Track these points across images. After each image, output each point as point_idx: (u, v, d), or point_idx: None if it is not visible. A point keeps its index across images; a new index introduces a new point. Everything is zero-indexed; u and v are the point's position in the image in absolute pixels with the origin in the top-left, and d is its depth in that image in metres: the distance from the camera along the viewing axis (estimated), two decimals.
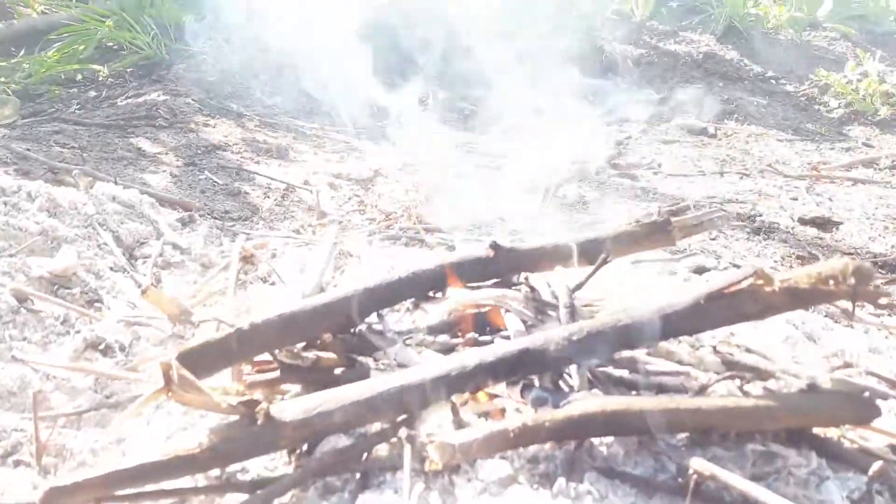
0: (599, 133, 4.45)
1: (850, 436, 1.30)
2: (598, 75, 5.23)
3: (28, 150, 2.91)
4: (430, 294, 1.54)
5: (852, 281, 1.25)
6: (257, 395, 1.34)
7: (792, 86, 5.33)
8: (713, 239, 2.72)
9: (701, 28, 5.99)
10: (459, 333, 1.45)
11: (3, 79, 4.59)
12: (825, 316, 2.12)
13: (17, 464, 1.29)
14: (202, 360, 1.27)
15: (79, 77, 4.75)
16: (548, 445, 1.19)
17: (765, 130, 4.59)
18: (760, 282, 1.29)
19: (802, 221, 3.05)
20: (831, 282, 1.26)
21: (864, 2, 6.47)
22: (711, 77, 5.27)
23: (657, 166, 3.76)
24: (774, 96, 5.13)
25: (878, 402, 1.34)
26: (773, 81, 5.35)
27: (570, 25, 5.53)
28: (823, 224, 3.06)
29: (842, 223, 3.09)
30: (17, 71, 4.75)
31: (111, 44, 5.18)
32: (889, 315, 2.37)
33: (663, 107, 4.91)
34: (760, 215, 3.05)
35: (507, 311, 1.46)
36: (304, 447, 1.24)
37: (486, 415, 1.29)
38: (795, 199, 3.34)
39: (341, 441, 1.23)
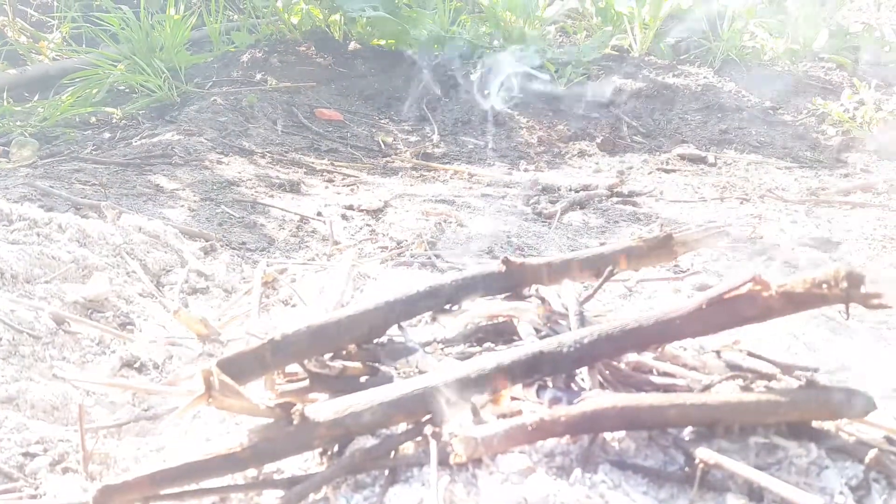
0: (601, 163, 4.56)
1: (847, 429, 1.37)
2: (600, 107, 5.36)
3: (51, 187, 3.02)
4: (447, 307, 1.63)
5: (844, 285, 1.34)
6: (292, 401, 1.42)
7: (790, 115, 5.45)
8: (715, 260, 2.81)
9: (699, 61, 6.14)
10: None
11: (19, 122, 4.73)
12: (827, 328, 2.20)
13: (64, 471, 1.37)
14: (237, 369, 1.35)
15: (93, 120, 4.89)
16: (563, 441, 1.27)
17: (764, 159, 4.69)
18: (758, 287, 1.38)
19: (801, 243, 3.14)
20: (825, 286, 1.35)
21: (859, 33, 6.62)
22: (710, 108, 5.39)
23: (658, 193, 3.87)
24: (773, 126, 5.25)
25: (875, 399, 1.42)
26: (771, 111, 5.47)
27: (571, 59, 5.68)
28: (823, 245, 3.15)
29: (840, 244, 3.18)
30: (32, 115, 4.90)
31: (123, 87, 5.33)
32: (888, 329, 2.46)
33: (663, 138, 5.03)
34: (761, 237, 3.15)
35: (520, 320, 1.55)
36: (335, 448, 1.33)
37: (504, 415, 1.36)
38: (795, 223, 3.44)
39: (370, 442, 1.31)
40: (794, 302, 1.36)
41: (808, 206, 3.70)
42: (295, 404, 1.23)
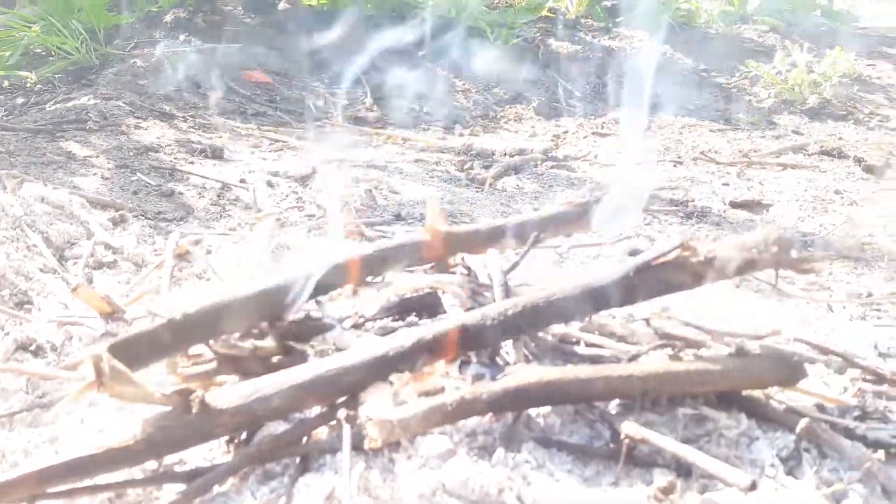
0: (537, 127, 4.50)
1: (778, 397, 1.34)
2: (536, 71, 5.28)
3: None
4: (369, 279, 1.55)
5: (775, 249, 1.30)
6: (194, 386, 1.32)
7: (723, 77, 5.46)
8: (647, 224, 2.78)
9: (635, 24, 6.10)
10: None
11: None
12: (756, 292, 2.18)
13: None
14: (133, 353, 1.25)
15: (5, 84, 4.63)
16: (486, 419, 1.21)
17: (697, 121, 4.68)
18: (687, 253, 1.32)
19: (733, 205, 3.14)
20: (754, 251, 1.30)
21: None
22: (645, 71, 5.36)
23: (593, 158, 3.82)
24: (707, 88, 5.25)
25: (806, 366, 1.39)
26: (705, 74, 5.47)
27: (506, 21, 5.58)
28: (754, 206, 3.15)
29: (771, 205, 3.18)
30: None
31: (39, 49, 5.06)
32: (819, 289, 2.45)
33: (599, 101, 4.99)
34: (693, 200, 3.13)
35: (444, 292, 1.47)
36: (244, 435, 1.24)
37: (426, 394, 1.29)
38: (727, 185, 3.43)
39: (280, 427, 1.23)
40: (723, 267, 1.32)
41: (740, 168, 3.70)
42: (194, 391, 1.13)
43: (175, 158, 3.29)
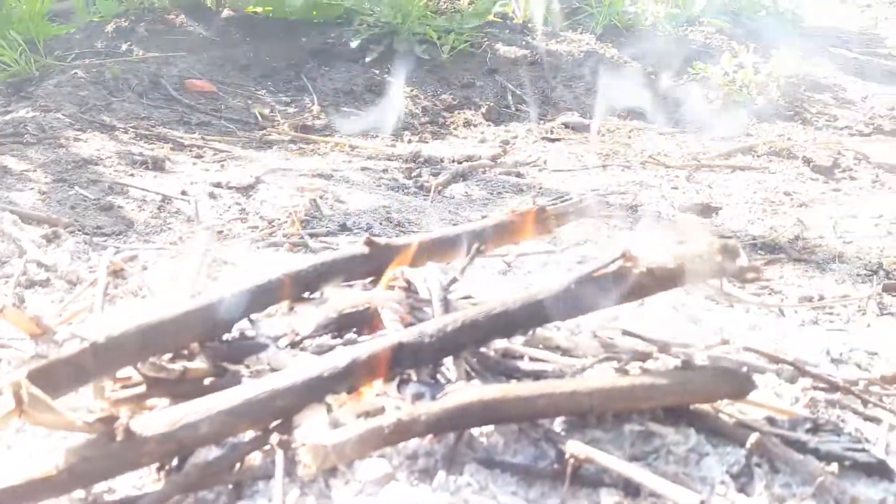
0: (486, 133, 4.47)
1: (727, 410, 1.32)
2: (484, 76, 5.26)
3: None
4: (306, 295, 1.49)
5: (719, 258, 1.28)
6: (123, 411, 1.26)
7: (671, 80, 5.48)
8: (597, 230, 2.76)
9: (581, 27, 6.11)
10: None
11: None
12: (706, 298, 2.17)
13: None
14: (55, 379, 1.19)
15: None
16: (427, 440, 1.17)
17: (646, 124, 4.69)
18: (629, 264, 1.30)
19: (683, 209, 3.14)
20: (698, 260, 1.28)
21: None
22: (593, 75, 5.37)
23: (542, 163, 3.81)
24: (655, 91, 5.27)
25: (755, 375, 1.37)
26: (653, 77, 5.50)
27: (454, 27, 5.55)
28: (703, 210, 3.16)
29: (721, 208, 3.19)
30: None
31: None
32: (770, 293, 2.45)
33: (548, 106, 4.98)
34: (642, 205, 3.12)
35: (383, 307, 1.42)
36: (175, 462, 1.18)
37: (365, 414, 1.24)
38: (676, 188, 3.43)
39: (213, 453, 1.17)
40: (666, 278, 1.30)
41: (689, 171, 3.71)
42: (118, 418, 1.08)
43: (115, 171, 3.19)
